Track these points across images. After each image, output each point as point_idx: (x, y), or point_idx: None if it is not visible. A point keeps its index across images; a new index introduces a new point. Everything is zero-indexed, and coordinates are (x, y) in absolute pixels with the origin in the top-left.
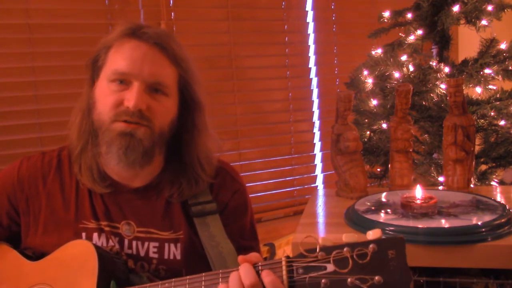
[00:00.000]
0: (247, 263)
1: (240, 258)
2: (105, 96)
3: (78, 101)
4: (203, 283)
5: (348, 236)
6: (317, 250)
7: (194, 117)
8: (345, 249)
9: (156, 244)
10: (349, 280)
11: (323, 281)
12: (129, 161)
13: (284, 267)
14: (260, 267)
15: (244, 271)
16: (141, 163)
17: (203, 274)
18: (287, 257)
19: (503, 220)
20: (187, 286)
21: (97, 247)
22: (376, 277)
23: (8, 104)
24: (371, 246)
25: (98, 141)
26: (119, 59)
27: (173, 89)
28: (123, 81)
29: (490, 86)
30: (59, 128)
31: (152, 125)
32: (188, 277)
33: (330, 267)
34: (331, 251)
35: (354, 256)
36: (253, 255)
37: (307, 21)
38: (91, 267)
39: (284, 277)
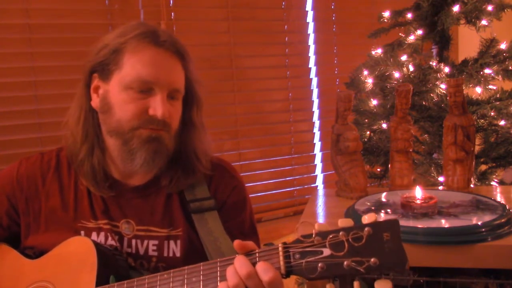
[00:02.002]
0: (241, 255)
1: (236, 242)
2: (125, 103)
3: (74, 101)
4: (201, 272)
5: (344, 221)
6: (313, 235)
7: (193, 113)
8: (340, 233)
9: (156, 242)
10: (345, 263)
11: (319, 265)
12: (155, 165)
13: (281, 253)
14: (257, 255)
15: (239, 262)
16: (162, 165)
17: (201, 263)
18: (284, 243)
19: (503, 220)
20: (185, 276)
21: (96, 243)
22: (372, 259)
23: (8, 104)
24: (366, 229)
25: (105, 145)
26: (140, 67)
27: (183, 92)
28: (144, 89)
29: (490, 86)
30: (59, 128)
31: (171, 130)
32: (186, 267)
33: (327, 251)
34: (326, 235)
35: (350, 240)
36: (249, 242)
37: (307, 21)
38: (90, 263)
39: (281, 262)
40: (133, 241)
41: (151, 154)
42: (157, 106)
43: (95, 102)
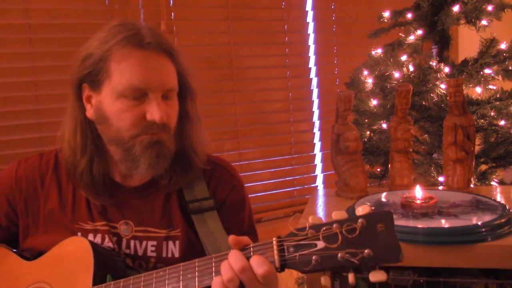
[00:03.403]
0: (235, 250)
1: (231, 237)
2: (121, 112)
3: (67, 115)
4: (196, 269)
5: (338, 213)
6: (307, 228)
7: (187, 106)
8: (334, 225)
9: (154, 243)
10: (339, 255)
11: (314, 257)
12: (159, 167)
13: (275, 247)
14: (251, 249)
15: (233, 257)
16: (165, 166)
17: (196, 260)
18: (278, 237)
19: (503, 220)
20: (181, 273)
21: (92, 243)
22: (366, 251)
23: (8, 104)
24: (359, 221)
25: (105, 152)
26: (130, 74)
27: (177, 88)
28: (137, 95)
29: (490, 86)
30: (59, 128)
31: (170, 130)
32: (182, 264)
33: (321, 244)
34: (320, 228)
35: (343, 232)
36: (244, 238)
37: (307, 21)
38: (87, 262)
39: (276, 256)
40: (132, 242)
41: (154, 159)
42: (154, 111)
43: (90, 112)
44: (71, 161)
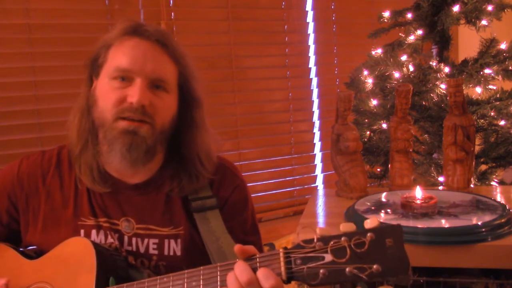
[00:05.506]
0: (241, 261)
1: (237, 247)
2: (106, 93)
3: (76, 101)
4: (201, 277)
5: (346, 226)
6: (315, 240)
7: (193, 113)
8: (342, 238)
9: (156, 240)
10: (347, 269)
11: (321, 271)
12: (132, 159)
13: (282, 258)
14: (258, 260)
15: (239, 269)
16: (143, 160)
17: (201, 268)
18: (285, 248)
19: (503, 220)
20: (185, 280)
21: (95, 244)
22: (374, 266)
23: (8, 104)
24: (368, 234)
25: (99, 140)
26: (120, 56)
27: (173, 85)
28: (125, 78)
29: (490, 86)
30: (59, 128)
31: (154, 123)
32: (186, 271)
33: (328, 257)
34: (328, 241)
35: (352, 245)
36: (250, 247)
37: (307, 21)
38: (89, 264)
39: (282, 268)
40: (134, 240)
41: (126, 147)
42: (134, 93)
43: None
44: (71, 145)
